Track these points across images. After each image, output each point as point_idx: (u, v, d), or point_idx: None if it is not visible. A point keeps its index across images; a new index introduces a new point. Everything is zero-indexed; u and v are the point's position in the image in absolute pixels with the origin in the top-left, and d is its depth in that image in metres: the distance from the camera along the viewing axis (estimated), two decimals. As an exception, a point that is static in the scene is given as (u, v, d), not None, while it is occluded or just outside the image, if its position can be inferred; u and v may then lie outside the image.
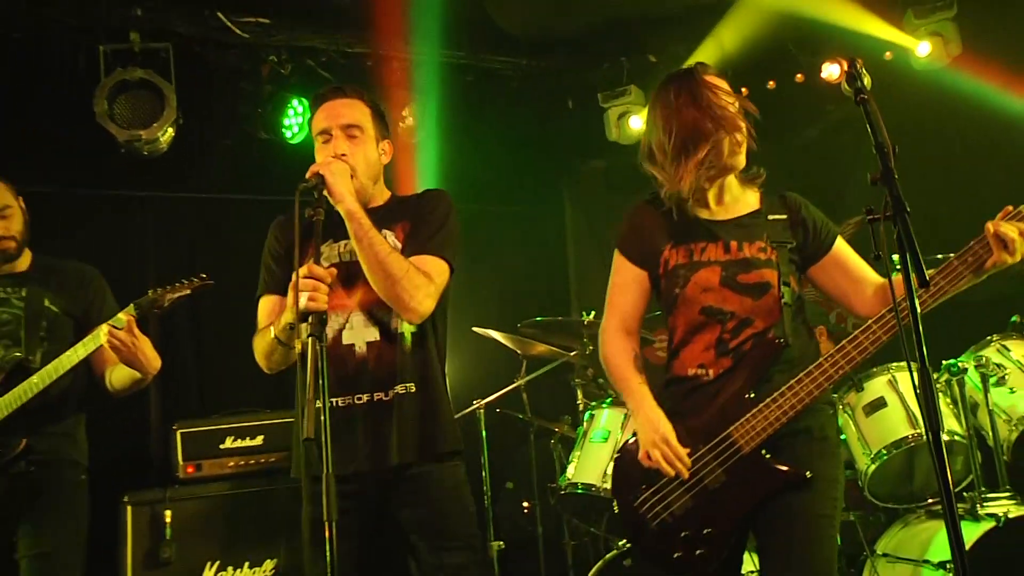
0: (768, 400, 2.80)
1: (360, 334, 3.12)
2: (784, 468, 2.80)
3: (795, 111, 6.18)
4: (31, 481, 3.61)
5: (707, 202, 2.98)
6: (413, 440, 3.07)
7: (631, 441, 3.02)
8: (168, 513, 4.58)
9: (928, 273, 2.38)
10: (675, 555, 2.91)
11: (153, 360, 3.60)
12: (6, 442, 3.58)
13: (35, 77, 5.10)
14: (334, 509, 2.54)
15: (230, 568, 4.64)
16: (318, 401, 2.53)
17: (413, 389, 3.11)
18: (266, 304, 3.25)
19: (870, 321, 2.77)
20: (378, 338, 3.12)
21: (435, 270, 3.08)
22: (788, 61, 5.89)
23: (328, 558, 2.55)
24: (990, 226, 2.62)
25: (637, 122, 6.00)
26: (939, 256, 3.86)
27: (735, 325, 2.89)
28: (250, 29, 5.14)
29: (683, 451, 2.86)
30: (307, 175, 2.95)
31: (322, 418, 2.56)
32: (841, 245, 2.95)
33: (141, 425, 5.42)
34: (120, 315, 3.51)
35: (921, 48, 5.56)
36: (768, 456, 2.81)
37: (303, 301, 2.70)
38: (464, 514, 3.16)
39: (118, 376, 3.72)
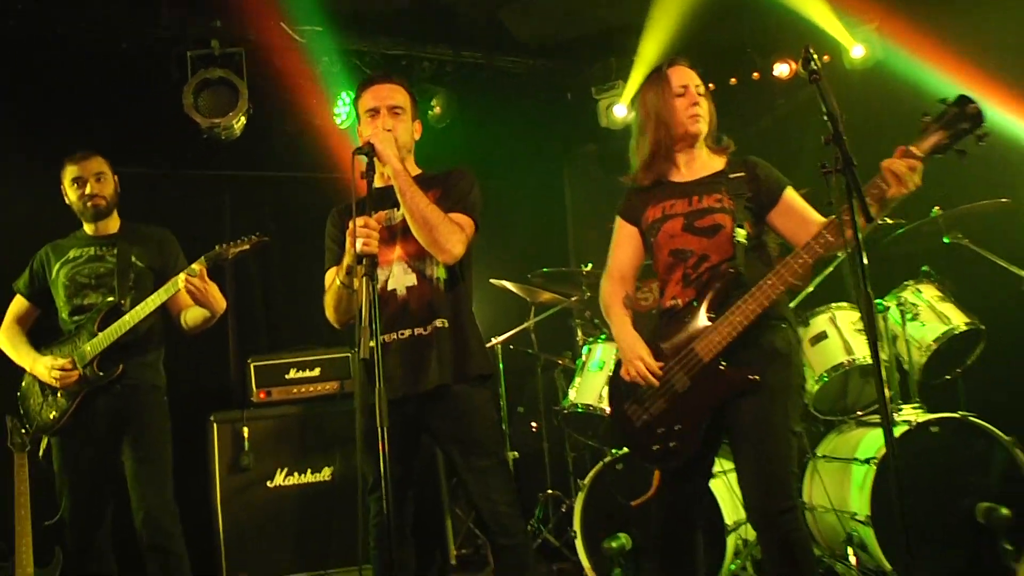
0: (722, 318, 2.85)
1: (400, 281, 3.16)
2: (734, 374, 2.84)
3: (752, 104, 6.14)
4: (128, 401, 3.69)
5: (680, 168, 3.08)
6: (448, 366, 3.09)
7: (618, 365, 3.09)
8: (246, 430, 4.62)
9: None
10: (655, 447, 2.98)
11: (220, 301, 3.68)
12: (107, 367, 3.64)
13: (137, 78, 5.13)
14: (385, 418, 2.60)
15: (296, 473, 4.66)
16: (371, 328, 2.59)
17: (447, 324, 3.12)
18: (330, 274, 3.27)
19: (809, 240, 2.78)
20: (416, 283, 3.15)
21: (465, 223, 3.13)
22: (746, 62, 5.85)
23: (382, 458, 2.60)
24: (884, 163, 2.64)
25: (620, 110, 5.98)
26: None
27: (695, 261, 2.97)
28: (307, 36, 5.17)
29: (655, 365, 2.94)
30: (360, 143, 3.04)
31: (374, 342, 2.62)
32: (790, 194, 2.99)
33: (221, 360, 5.44)
34: (194, 265, 3.57)
35: (855, 51, 5.53)
36: (723, 365, 2.85)
37: (359, 245, 2.76)
38: (490, 427, 3.21)
39: (191, 316, 3.78)
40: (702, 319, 2.90)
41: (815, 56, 2.61)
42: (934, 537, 3.66)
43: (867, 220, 2.41)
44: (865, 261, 2.42)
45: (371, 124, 3.19)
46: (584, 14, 5.66)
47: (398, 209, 3.14)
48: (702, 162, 3.09)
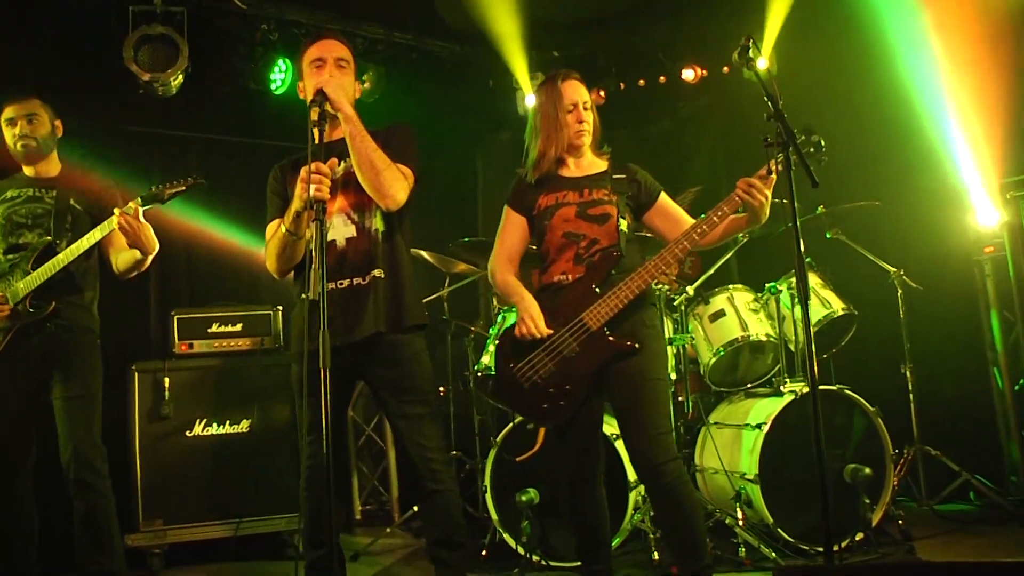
0: (609, 293, 3.00)
1: (340, 232, 3.09)
2: (618, 340, 3.01)
3: (656, 106, 6.29)
4: (60, 341, 3.54)
5: (568, 166, 3.24)
6: (384, 315, 3.05)
7: (508, 328, 3.18)
8: (167, 380, 4.46)
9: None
10: (544, 406, 3.08)
11: (153, 242, 3.55)
12: (39, 305, 3.49)
13: (77, 31, 4.91)
14: (328, 358, 2.57)
15: (215, 424, 4.53)
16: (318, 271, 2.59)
17: (384, 275, 3.08)
18: (271, 227, 3.18)
19: (688, 229, 3.01)
20: (355, 234, 3.10)
21: (407, 172, 3.10)
22: (656, 65, 5.97)
23: (322, 403, 2.56)
24: (741, 183, 2.92)
25: (530, 99, 5.99)
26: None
27: (587, 244, 3.11)
28: (248, 2, 5.03)
29: (543, 324, 3.05)
30: (312, 94, 2.94)
31: (322, 282, 2.60)
32: (664, 198, 3.26)
33: (142, 311, 5.23)
34: (130, 204, 3.45)
35: (760, 63, 5.68)
36: (608, 333, 3.01)
37: (312, 190, 2.72)
38: (425, 375, 3.16)
39: (123, 259, 3.65)
40: (589, 292, 3.04)
41: (752, 45, 2.75)
42: (808, 493, 3.81)
43: (813, 185, 2.58)
44: (801, 245, 2.56)
45: (317, 74, 3.10)
46: (512, 7, 5.62)
47: (341, 162, 3.09)
48: (589, 161, 3.28)
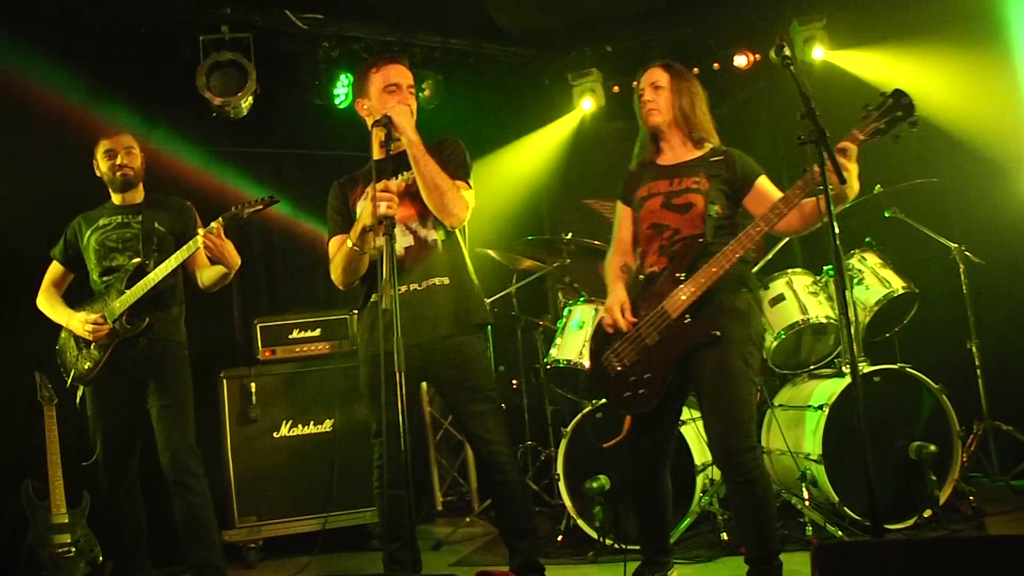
0: (689, 280, 3.05)
1: (399, 241, 3.24)
2: (697, 328, 3.05)
3: (712, 92, 6.30)
4: (153, 354, 3.84)
5: (665, 153, 3.34)
6: (448, 318, 3.26)
7: (601, 319, 3.31)
8: (253, 385, 4.76)
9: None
10: (626, 394, 3.18)
11: (235, 257, 3.76)
12: (134, 322, 3.78)
13: (153, 62, 5.24)
14: (403, 362, 2.77)
15: (300, 425, 4.81)
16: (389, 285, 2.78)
17: (447, 281, 3.28)
18: (335, 242, 3.40)
19: (766, 211, 3.00)
20: (413, 243, 3.30)
21: (467, 191, 3.31)
22: (708, 53, 6.02)
23: (399, 404, 2.76)
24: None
25: (588, 103, 6.22)
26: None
27: (670, 234, 3.19)
28: (309, 22, 5.30)
29: (629, 314, 3.17)
30: (379, 116, 3.18)
31: (394, 292, 2.79)
32: (763, 181, 3.21)
33: (227, 322, 5.56)
34: (212, 224, 3.68)
35: (816, 52, 5.75)
36: (688, 320, 3.06)
37: (382, 208, 2.92)
38: (486, 373, 3.38)
39: (208, 274, 3.90)
40: (672, 281, 3.10)
41: (787, 44, 2.87)
42: (876, 472, 3.90)
43: (841, 181, 2.67)
44: (836, 228, 2.66)
45: (390, 98, 3.28)
46: (561, 6, 5.83)
47: (397, 177, 3.28)
48: (685, 147, 3.32)
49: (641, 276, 3.30)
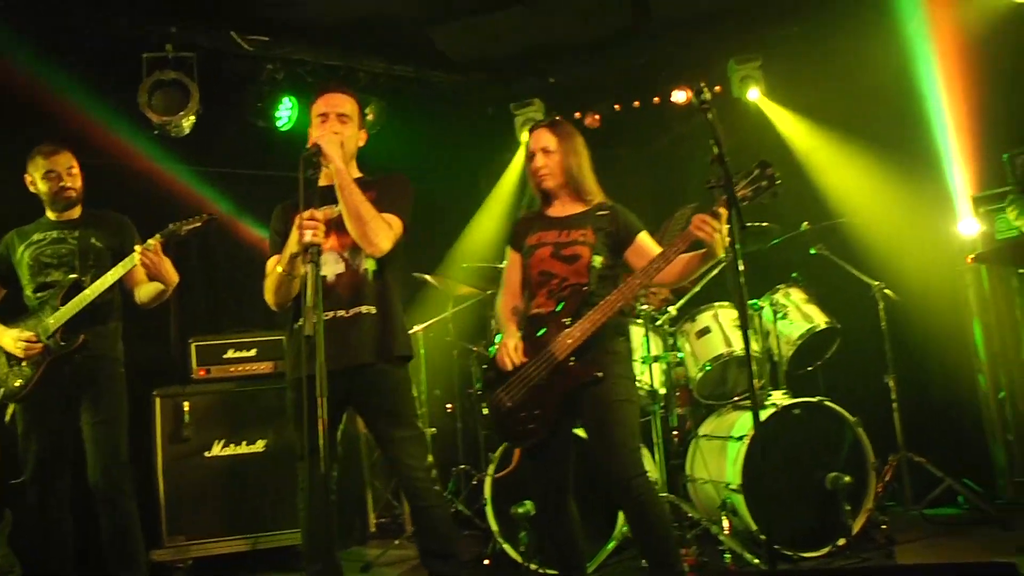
0: (574, 325, 3.22)
1: (330, 268, 3.34)
2: (581, 369, 3.22)
3: (651, 126, 6.51)
4: (87, 369, 3.85)
5: (554, 205, 3.50)
6: (371, 346, 3.31)
7: (493, 356, 3.43)
8: (187, 404, 4.73)
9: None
10: (517, 428, 3.33)
11: (173, 275, 3.83)
12: (69, 339, 3.79)
13: (95, 76, 5.21)
14: (324, 387, 2.78)
15: (232, 445, 4.80)
16: (314, 310, 2.78)
17: (374, 311, 3.33)
18: (271, 262, 3.43)
19: (645, 265, 3.20)
20: (344, 271, 3.36)
21: (394, 222, 3.35)
22: (648, 87, 6.19)
23: (321, 428, 2.76)
24: (693, 220, 3.05)
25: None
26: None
27: (559, 282, 3.35)
28: (254, 44, 5.35)
29: (520, 354, 3.29)
30: (308, 145, 3.24)
31: (318, 320, 2.79)
32: (642, 238, 3.38)
33: (162, 339, 5.53)
34: (150, 240, 3.72)
35: (751, 93, 5.96)
36: (572, 362, 3.22)
37: (308, 236, 2.95)
38: (408, 402, 3.45)
39: (145, 291, 3.94)
40: (559, 324, 3.27)
41: (706, 89, 3.02)
42: (793, 501, 4.08)
43: (741, 227, 2.81)
44: (741, 267, 2.80)
45: (320, 127, 3.37)
46: (505, 37, 5.93)
47: (335, 206, 3.33)
48: (572, 202, 3.48)
49: (528, 315, 3.43)
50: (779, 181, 3.07)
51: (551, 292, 3.36)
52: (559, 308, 3.30)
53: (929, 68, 5.05)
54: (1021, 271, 4.60)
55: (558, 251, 3.38)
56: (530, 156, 3.48)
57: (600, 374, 3.20)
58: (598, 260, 3.32)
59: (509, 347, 3.33)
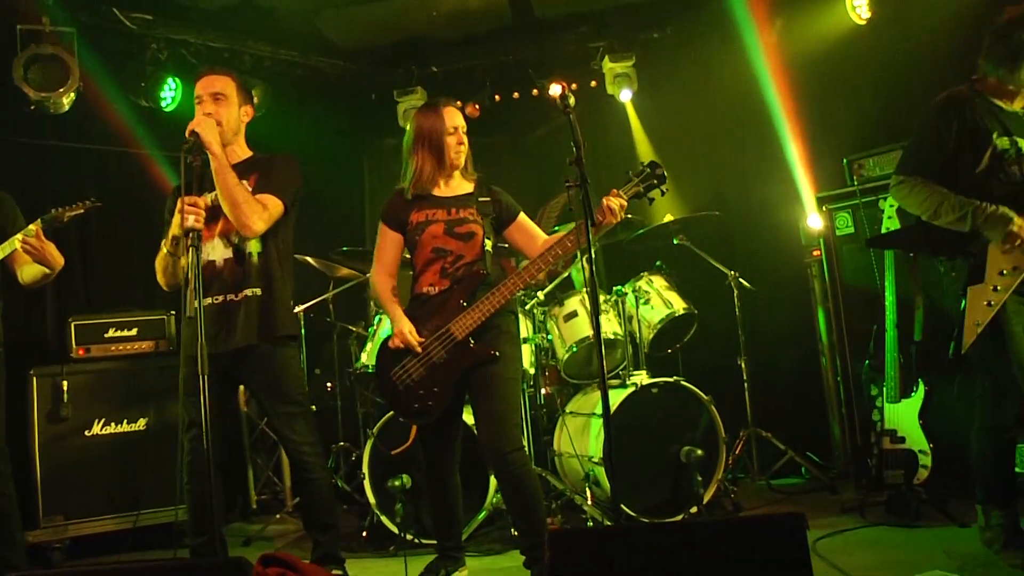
0: (473, 306, 3.46)
1: (218, 253, 3.53)
2: (479, 349, 3.48)
3: (530, 116, 6.80)
4: None
5: (440, 186, 3.67)
6: (255, 328, 3.49)
7: (386, 338, 3.63)
8: (65, 383, 4.75)
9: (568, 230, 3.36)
10: (415, 405, 3.54)
11: (58, 258, 3.87)
12: None
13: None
14: (206, 365, 2.91)
15: (113, 424, 4.84)
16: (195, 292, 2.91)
17: (259, 292, 3.51)
18: (164, 243, 3.56)
19: (544, 251, 3.47)
20: (231, 256, 3.52)
21: (271, 204, 3.52)
22: (527, 79, 6.38)
23: (203, 403, 2.89)
24: (604, 199, 3.36)
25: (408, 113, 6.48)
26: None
27: (453, 259, 3.55)
28: (138, 22, 5.35)
29: (417, 337, 3.50)
30: (187, 134, 3.32)
31: (199, 300, 2.93)
32: (522, 217, 3.71)
33: (40, 318, 5.51)
34: (30, 227, 3.77)
35: (623, 94, 6.31)
36: (471, 342, 3.47)
37: (189, 220, 3.08)
38: (294, 379, 3.64)
39: (29, 272, 3.96)
40: (457, 305, 3.49)
41: (570, 94, 3.30)
42: (650, 473, 4.43)
43: (594, 225, 3.11)
44: (594, 256, 3.08)
45: (197, 111, 3.51)
46: (390, 25, 6.09)
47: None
48: (457, 182, 3.71)
49: (418, 294, 3.62)
50: (665, 179, 3.43)
51: (443, 270, 3.55)
52: (452, 287, 3.51)
53: (775, 79, 5.50)
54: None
55: (451, 228, 3.56)
56: (450, 131, 3.62)
57: (496, 353, 3.46)
58: (489, 243, 3.56)
59: (405, 332, 3.50)
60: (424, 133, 3.63)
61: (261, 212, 3.47)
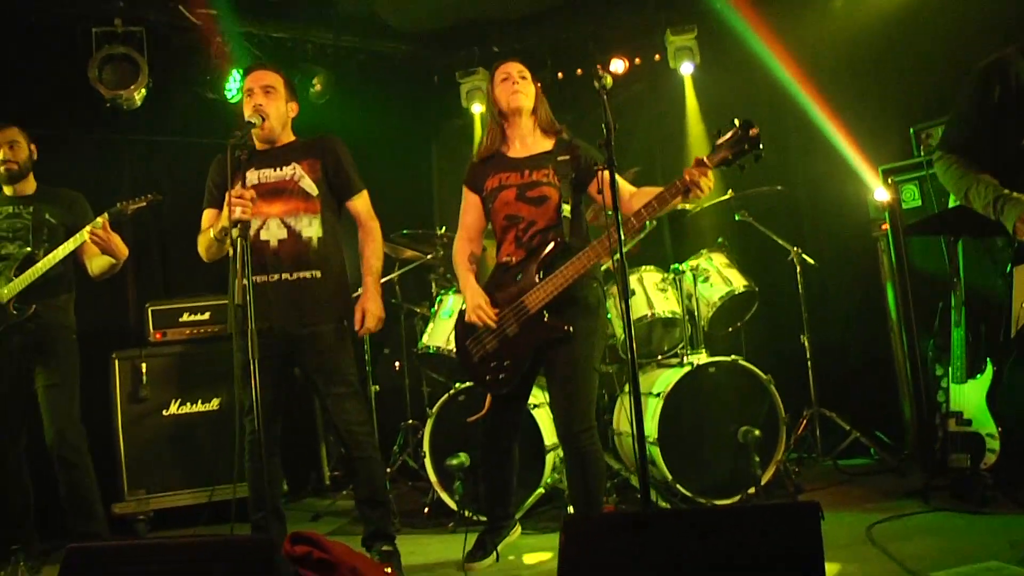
0: (548, 279, 3.35)
1: (273, 234, 3.60)
2: (553, 323, 3.39)
3: (594, 93, 6.67)
4: (39, 337, 4.12)
5: (514, 145, 3.63)
6: (312, 310, 3.59)
7: (462, 310, 3.64)
8: (144, 365, 4.98)
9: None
10: (488, 376, 3.55)
11: (123, 249, 4.10)
12: (21, 308, 4.05)
13: (46, 52, 5.38)
14: (256, 351, 3.01)
15: (188, 403, 5.06)
16: (244, 280, 3.04)
17: (319, 275, 3.60)
18: (208, 214, 3.75)
19: (640, 208, 3.20)
20: (287, 237, 3.60)
21: (363, 208, 3.78)
22: (588, 57, 6.41)
23: (254, 386, 3.00)
24: (685, 172, 3.07)
25: (478, 107, 6.59)
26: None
27: (525, 226, 3.49)
28: (203, 17, 5.51)
29: (492, 311, 3.48)
30: (245, 116, 3.55)
31: (247, 290, 3.04)
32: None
33: (120, 305, 5.79)
34: (97, 219, 3.98)
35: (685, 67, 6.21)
36: (546, 315, 3.39)
37: (237, 212, 3.19)
38: (345, 359, 3.69)
39: (97, 264, 4.21)
40: (532, 277, 3.41)
41: (604, 75, 3.15)
42: (707, 454, 4.41)
43: (613, 210, 2.94)
44: (623, 238, 2.86)
45: (247, 103, 3.66)
46: (452, 7, 6.13)
47: (279, 169, 3.61)
48: (534, 140, 3.62)
49: (500, 263, 3.60)
50: (760, 147, 2.97)
51: (517, 238, 3.50)
52: (528, 258, 3.44)
53: (840, 47, 5.32)
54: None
55: (523, 192, 3.50)
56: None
57: (570, 329, 3.36)
58: (567, 208, 3.39)
59: (480, 309, 3.48)
60: (487, 95, 3.70)
61: (377, 230, 3.77)
